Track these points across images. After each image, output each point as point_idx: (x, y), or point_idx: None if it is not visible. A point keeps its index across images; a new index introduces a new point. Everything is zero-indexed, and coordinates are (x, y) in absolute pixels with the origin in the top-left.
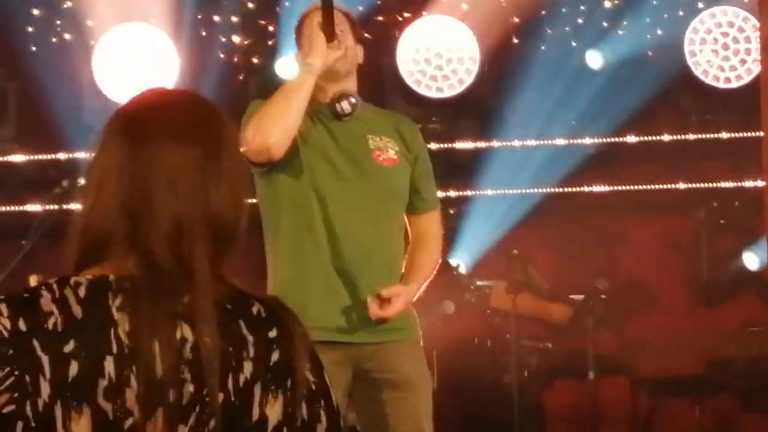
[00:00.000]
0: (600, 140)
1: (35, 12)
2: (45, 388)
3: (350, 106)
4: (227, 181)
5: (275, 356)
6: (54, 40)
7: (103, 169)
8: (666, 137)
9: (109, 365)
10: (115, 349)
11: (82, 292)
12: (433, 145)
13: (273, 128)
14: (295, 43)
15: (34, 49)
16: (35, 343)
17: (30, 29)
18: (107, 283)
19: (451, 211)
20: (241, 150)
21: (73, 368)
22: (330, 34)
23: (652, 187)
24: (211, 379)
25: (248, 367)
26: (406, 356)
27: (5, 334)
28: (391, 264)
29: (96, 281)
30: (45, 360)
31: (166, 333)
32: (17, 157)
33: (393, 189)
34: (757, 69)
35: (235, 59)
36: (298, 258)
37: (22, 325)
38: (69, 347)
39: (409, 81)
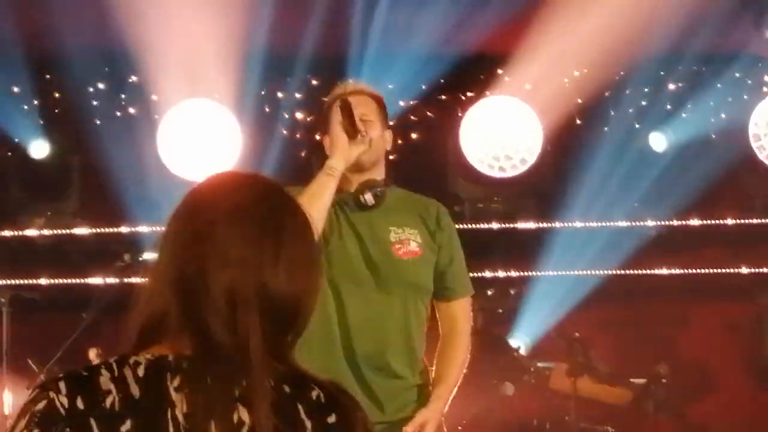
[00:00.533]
0: (662, 223)
1: (100, 86)
2: None
3: (374, 197)
4: (285, 261)
5: None
6: (119, 113)
7: (162, 248)
8: (729, 221)
9: None
10: (171, 430)
11: (140, 371)
12: (495, 225)
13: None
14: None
15: (98, 122)
16: (92, 422)
17: (95, 103)
18: (166, 362)
19: (512, 292)
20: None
21: None
22: (352, 134)
23: (714, 271)
24: None
25: None
26: None
27: (62, 411)
28: (409, 357)
29: (155, 361)
30: None
31: (223, 415)
32: (80, 230)
33: (411, 283)
34: None
35: (298, 135)
36: (311, 352)
37: (80, 404)
38: (126, 427)
39: (472, 160)
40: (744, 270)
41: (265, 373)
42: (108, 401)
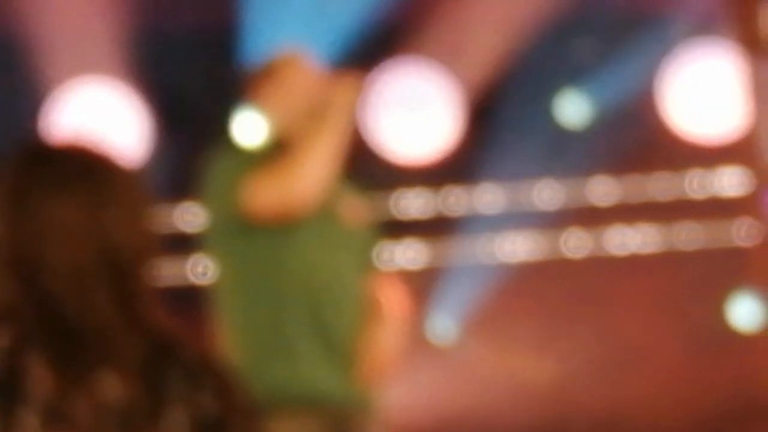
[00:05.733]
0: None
1: None
2: None
3: None
4: (123, 216)
5: (209, 410)
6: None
7: None
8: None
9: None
10: (31, 408)
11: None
12: None
13: (318, 180)
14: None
15: None
16: None
17: None
18: (22, 341)
19: None
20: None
21: None
22: None
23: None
24: None
25: (179, 420)
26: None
27: None
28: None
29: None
30: None
31: (88, 391)
32: None
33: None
34: None
35: None
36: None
37: None
38: None
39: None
40: None
41: (126, 345)
42: None
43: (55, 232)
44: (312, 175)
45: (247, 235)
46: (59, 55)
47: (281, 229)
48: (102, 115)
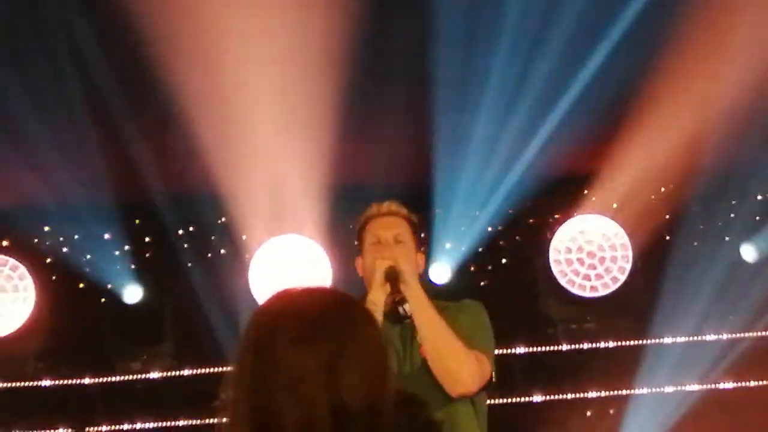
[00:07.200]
0: (758, 334)
1: (190, 228)
2: None
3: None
4: (358, 369)
5: None
6: (209, 255)
7: (235, 383)
8: None
9: None
10: None
11: None
12: (586, 345)
13: None
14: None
15: (189, 265)
16: None
17: (185, 245)
18: None
19: (611, 411)
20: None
21: None
22: (392, 293)
23: None
24: None
25: None
26: None
27: None
28: None
29: None
30: None
31: None
32: (176, 373)
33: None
34: None
35: None
36: None
37: None
38: None
39: (562, 281)
40: None
41: None
42: None
43: (286, 385)
44: None
45: None
46: (260, 213)
47: None
48: (299, 273)
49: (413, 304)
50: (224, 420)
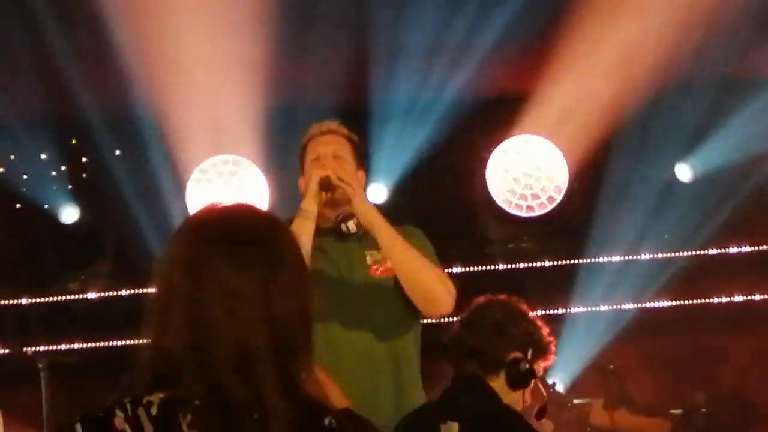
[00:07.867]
0: (694, 253)
1: (128, 149)
2: None
3: (355, 225)
4: (290, 293)
5: None
6: (146, 175)
7: (166, 301)
8: (765, 247)
9: None
10: None
11: (154, 410)
12: (523, 265)
13: None
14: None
15: (125, 184)
16: None
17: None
18: (178, 402)
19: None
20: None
21: None
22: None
23: (749, 298)
24: None
25: None
26: None
27: None
28: (398, 397)
29: (167, 400)
30: None
31: None
32: (115, 293)
33: (388, 296)
34: None
35: None
36: None
37: None
38: None
39: (499, 201)
40: None
41: (280, 412)
42: None
43: (224, 307)
44: None
45: None
46: (196, 134)
47: None
48: (236, 192)
49: (373, 224)
50: (150, 335)
